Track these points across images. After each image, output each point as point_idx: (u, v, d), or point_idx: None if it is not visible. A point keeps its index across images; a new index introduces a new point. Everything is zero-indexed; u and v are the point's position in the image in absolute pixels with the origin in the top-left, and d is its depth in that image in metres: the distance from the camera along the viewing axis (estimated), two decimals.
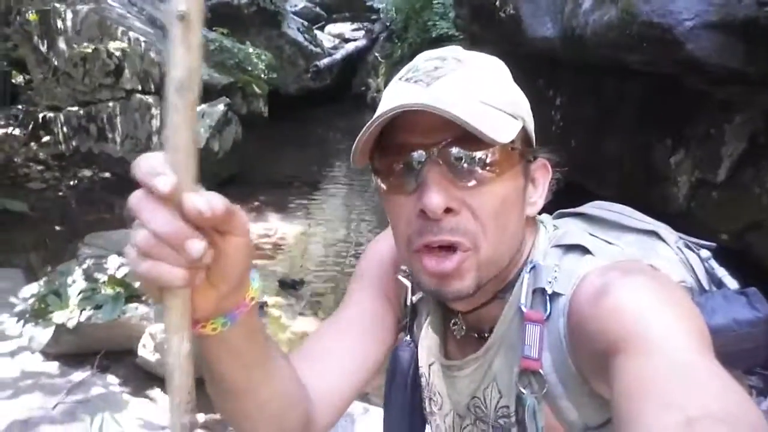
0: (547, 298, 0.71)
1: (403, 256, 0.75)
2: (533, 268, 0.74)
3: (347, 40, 12.57)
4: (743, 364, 0.76)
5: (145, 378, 2.95)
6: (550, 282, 0.71)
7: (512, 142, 0.69)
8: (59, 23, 6.53)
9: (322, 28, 12.84)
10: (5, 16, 6.41)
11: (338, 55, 11.57)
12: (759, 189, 3.60)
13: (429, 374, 0.86)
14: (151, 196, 0.47)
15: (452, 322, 0.82)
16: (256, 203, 5.79)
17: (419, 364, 0.87)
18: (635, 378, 0.55)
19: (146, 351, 2.95)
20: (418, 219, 0.70)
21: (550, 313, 0.70)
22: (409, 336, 0.88)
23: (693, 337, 0.58)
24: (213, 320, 0.57)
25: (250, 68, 7.40)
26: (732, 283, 0.79)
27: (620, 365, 0.57)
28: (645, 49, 2.81)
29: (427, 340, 0.86)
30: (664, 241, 0.78)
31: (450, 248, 0.70)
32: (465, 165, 0.68)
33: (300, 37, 10.79)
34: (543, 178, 0.78)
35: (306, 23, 11.63)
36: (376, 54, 12.06)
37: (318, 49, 11.20)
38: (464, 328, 0.81)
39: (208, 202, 0.47)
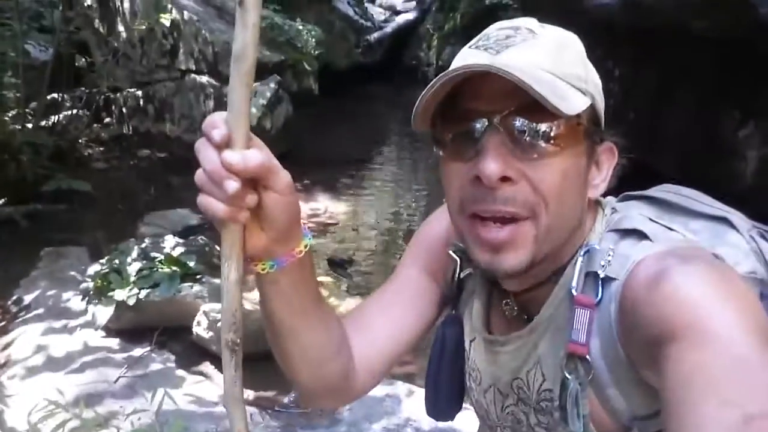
0: (600, 282, 0.68)
1: (455, 222, 0.74)
2: (587, 251, 0.71)
3: (398, 12, 12.39)
4: None
5: (200, 354, 3.06)
6: (603, 266, 0.69)
7: (578, 117, 0.67)
8: (118, 4, 6.71)
9: (372, 1, 12.69)
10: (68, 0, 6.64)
11: (389, 28, 11.44)
12: None
13: (470, 349, 0.86)
14: (208, 144, 0.58)
15: (504, 302, 0.81)
16: (307, 181, 5.85)
17: (463, 338, 0.87)
18: (690, 370, 0.54)
19: (200, 328, 3.05)
20: (472, 185, 0.68)
21: (601, 298, 0.68)
22: (454, 311, 0.88)
23: (753, 331, 0.55)
24: (263, 261, 0.67)
25: (300, 45, 7.40)
26: None
27: (674, 355, 0.56)
28: (713, 14, 2.62)
29: (472, 315, 0.86)
30: (735, 228, 0.74)
31: (504, 221, 0.68)
32: (527, 135, 0.66)
33: (350, 11, 10.70)
34: (608, 162, 0.75)
35: None
36: (428, 26, 11.84)
37: (369, 23, 11.10)
38: (515, 308, 0.79)
39: (243, 157, 0.57)
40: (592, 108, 0.70)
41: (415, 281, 0.90)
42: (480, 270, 0.81)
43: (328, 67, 8.37)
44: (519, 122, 0.66)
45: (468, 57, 0.70)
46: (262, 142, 0.61)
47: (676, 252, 0.65)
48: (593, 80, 0.72)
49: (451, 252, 0.87)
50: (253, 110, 5.93)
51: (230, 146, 0.57)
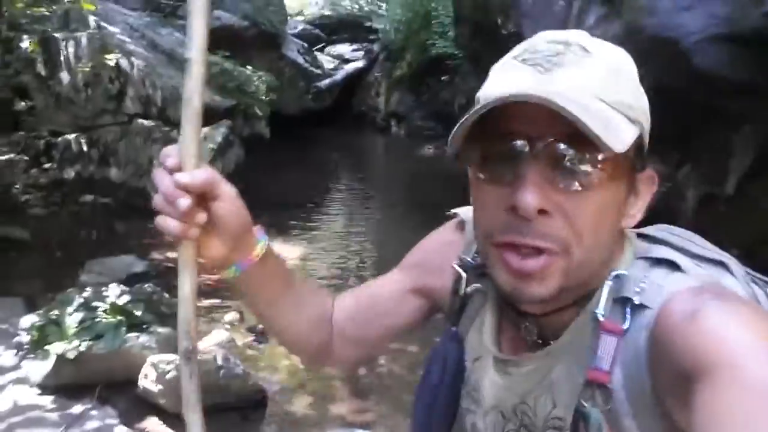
0: (629, 309, 0.66)
1: (482, 244, 0.71)
2: (617, 276, 0.69)
3: (347, 61, 12.65)
4: None
5: (146, 409, 2.87)
6: (637, 292, 0.66)
7: (627, 149, 0.63)
8: (61, 49, 6.55)
9: (322, 50, 12.92)
10: (6, 43, 6.43)
11: (338, 75, 11.64)
12: (767, 202, 3.54)
13: (472, 369, 0.82)
14: (163, 170, 0.68)
15: (522, 326, 0.77)
16: (258, 225, 5.74)
17: (464, 357, 0.84)
18: (725, 408, 0.52)
19: (148, 381, 2.88)
20: (506, 214, 0.65)
21: (629, 326, 0.65)
22: (454, 327, 0.84)
23: None
24: (227, 267, 0.77)
25: (251, 90, 7.41)
26: None
27: (708, 391, 0.54)
28: (651, 64, 2.78)
29: (481, 333, 0.82)
30: (731, 272, 0.73)
31: (536, 251, 0.65)
32: (570, 166, 0.63)
33: (300, 59, 10.84)
34: (647, 191, 0.72)
35: (306, 45, 11.71)
36: (376, 74, 12.11)
37: (318, 71, 11.26)
38: (535, 331, 0.76)
39: (192, 174, 0.67)
40: (639, 136, 0.67)
41: (398, 287, 0.93)
42: (499, 292, 0.77)
43: (278, 113, 8.38)
44: (563, 152, 0.63)
45: (514, 74, 0.66)
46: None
47: (712, 288, 0.64)
48: (642, 106, 0.69)
49: (455, 266, 0.84)
50: (206, 156, 5.85)
51: (181, 171, 0.67)
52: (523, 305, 0.74)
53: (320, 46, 12.98)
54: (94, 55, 6.41)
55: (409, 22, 11.53)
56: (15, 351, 3.08)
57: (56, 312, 3.10)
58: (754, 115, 3.20)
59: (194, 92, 0.67)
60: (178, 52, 7.37)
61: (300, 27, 12.94)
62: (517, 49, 0.69)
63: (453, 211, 0.91)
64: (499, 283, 0.70)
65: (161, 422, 2.79)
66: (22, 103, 6.63)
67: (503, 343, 0.81)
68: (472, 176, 0.70)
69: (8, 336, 3.30)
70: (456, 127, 0.65)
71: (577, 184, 0.63)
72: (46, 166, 6.61)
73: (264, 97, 7.59)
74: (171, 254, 5.09)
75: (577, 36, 0.68)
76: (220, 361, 2.97)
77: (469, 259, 0.84)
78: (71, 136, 6.57)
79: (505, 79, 0.66)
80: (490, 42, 4.76)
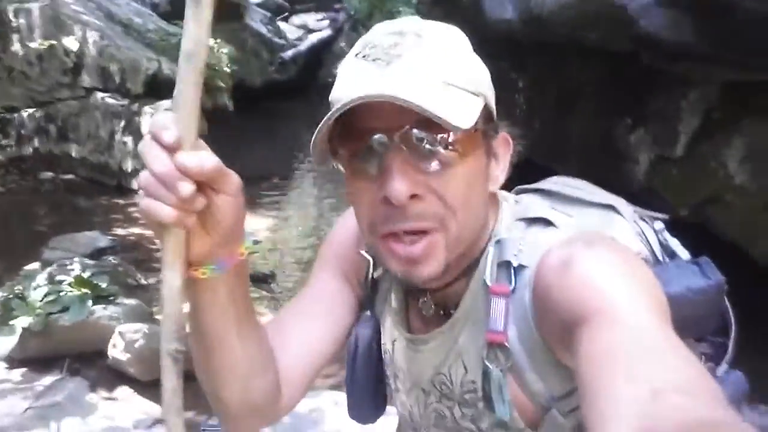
0: (512, 270, 0.71)
1: (368, 240, 0.75)
2: (498, 242, 0.74)
3: (311, 31, 12.46)
4: (695, 333, 0.77)
5: (116, 378, 2.91)
6: (515, 255, 0.71)
7: (475, 123, 0.68)
8: (12, 21, 6.33)
9: (285, 19, 12.69)
10: None
11: (303, 46, 11.47)
12: (715, 163, 3.70)
13: (393, 350, 0.86)
14: (156, 144, 0.55)
15: (420, 300, 0.81)
16: None
17: (382, 340, 0.87)
18: (600, 349, 0.56)
19: (117, 351, 2.92)
20: (382, 205, 0.69)
21: (515, 286, 0.70)
22: (369, 312, 0.87)
23: (654, 309, 0.59)
24: (204, 265, 0.64)
25: (213, 62, 7.28)
26: (684, 254, 0.81)
27: (585, 336, 0.59)
28: (601, 27, 2.86)
29: (390, 315, 0.86)
30: (621, 214, 0.78)
31: (417, 233, 0.69)
32: (428, 149, 0.67)
33: (263, 29, 10.65)
34: (504, 153, 0.77)
35: (269, 15, 11.48)
36: (342, 45, 11.98)
37: (282, 41, 11.08)
38: (433, 306, 0.80)
39: (200, 159, 0.56)
40: (485, 106, 0.71)
41: (329, 288, 0.89)
42: (396, 278, 0.82)
43: (242, 85, 8.27)
44: (418, 137, 0.66)
45: (358, 72, 0.69)
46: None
47: (581, 238, 0.68)
48: (483, 76, 0.73)
49: (362, 252, 0.87)
50: None
51: (180, 148, 0.55)
52: (418, 286, 0.78)
53: (284, 15, 12.75)
54: (47, 26, 6.21)
55: None
56: None
57: (20, 287, 3.10)
58: (699, 79, 3.33)
59: (201, 42, 0.55)
60: (135, 22, 7.18)
61: None
62: (358, 46, 0.72)
63: None
64: (393, 271, 0.74)
65: (132, 390, 2.84)
66: None
67: (413, 322, 0.84)
68: (344, 174, 0.73)
69: None
70: (314, 134, 0.68)
71: (437, 164, 0.67)
72: (3, 142, 6.46)
73: (227, 69, 7.48)
74: (135, 230, 5.08)
75: (410, 24, 0.71)
76: (188, 330, 3.02)
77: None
78: (27, 112, 6.41)
79: (351, 78, 0.69)
80: (451, 9, 4.79)
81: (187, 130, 0.56)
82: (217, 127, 6.71)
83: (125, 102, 6.25)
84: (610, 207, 0.78)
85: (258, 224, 5.36)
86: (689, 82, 3.51)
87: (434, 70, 0.67)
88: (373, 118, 0.67)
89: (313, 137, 0.68)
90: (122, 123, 6.18)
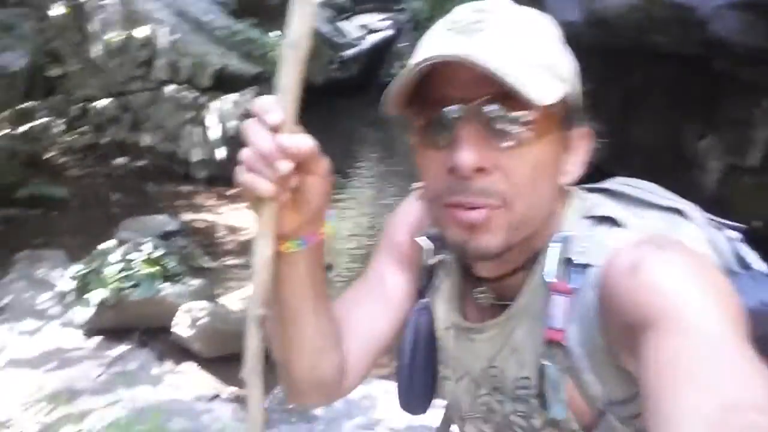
0: (576, 268, 0.69)
1: (431, 209, 0.74)
2: (562, 238, 0.71)
3: (373, 31, 12.59)
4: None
5: (180, 353, 3.08)
6: (581, 252, 0.69)
7: (553, 105, 0.65)
8: (91, 16, 6.71)
9: (348, 19, 12.88)
10: (39, 11, 6.61)
11: (364, 45, 11.61)
12: None
13: (445, 338, 0.85)
14: (259, 125, 0.61)
15: (478, 290, 0.80)
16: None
17: (436, 327, 0.86)
18: (669, 356, 0.54)
19: (181, 327, 3.08)
20: (448, 176, 0.68)
21: (578, 284, 0.68)
22: (425, 299, 0.86)
23: (728, 318, 0.57)
24: (290, 240, 0.69)
25: (276, 58, 7.48)
26: (762, 267, 0.75)
27: (653, 342, 0.56)
28: (669, 31, 2.80)
29: (445, 303, 0.85)
30: (689, 219, 0.74)
31: (479, 209, 0.68)
32: (501, 124, 0.65)
33: (325, 28, 10.85)
34: (582, 147, 0.74)
35: (332, 14, 11.69)
36: (404, 44, 12.06)
37: (344, 40, 11.26)
38: (490, 297, 0.78)
39: (298, 141, 0.61)
40: (568, 95, 0.69)
41: (388, 275, 0.89)
42: (453, 253, 0.81)
43: (303, 82, 8.43)
44: (493, 111, 0.65)
45: (439, 41, 0.68)
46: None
47: (652, 240, 0.66)
48: (569, 65, 0.70)
49: (418, 240, 0.86)
50: (234, 122, 6.01)
51: (281, 130, 0.60)
52: (475, 264, 0.78)
53: (346, 15, 12.93)
54: (123, 22, 6.55)
55: None
56: (59, 298, 3.30)
57: (97, 263, 3.31)
58: None
59: (304, 35, 0.59)
60: (205, 19, 7.47)
61: None
62: (443, 20, 0.71)
63: (415, 184, 0.89)
64: (450, 241, 0.72)
65: (196, 365, 2.99)
66: (56, 70, 6.85)
67: (468, 311, 0.83)
68: (414, 144, 0.72)
69: (53, 285, 3.53)
70: (384, 92, 0.68)
71: (510, 141, 0.66)
72: (81, 129, 6.85)
73: None
74: (199, 215, 5.30)
75: (498, 4, 0.70)
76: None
77: (431, 232, 0.84)
78: (104, 102, 6.77)
79: (431, 45, 0.68)
80: None
81: (288, 113, 0.60)
82: None
83: (193, 95, 6.52)
84: (677, 211, 0.75)
85: None
86: (762, 88, 3.39)
87: (517, 47, 0.66)
88: (450, 88, 0.66)
89: (384, 94, 0.68)
90: (190, 115, 6.45)
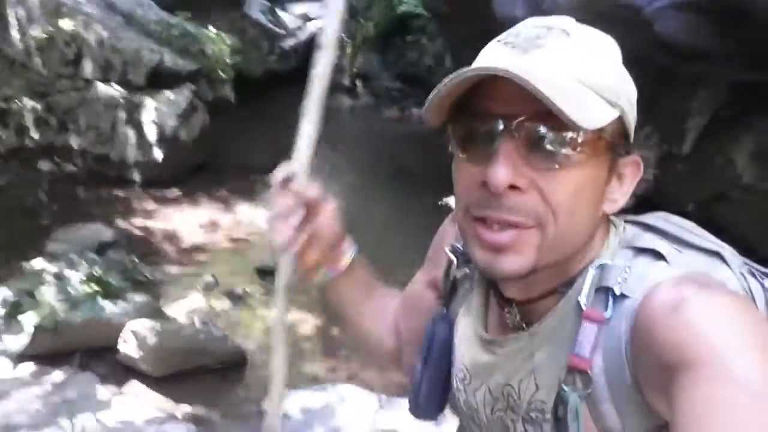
0: (612, 298, 0.67)
1: (459, 221, 0.73)
2: (601, 266, 0.69)
3: (311, 20, 12.38)
4: None
5: (126, 374, 2.93)
6: (619, 283, 0.67)
7: (601, 130, 0.64)
8: (10, 11, 6.26)
9: (284, 8, 12.60)
10: None
11: (303, 36, 11.39)
12: (722, 160, 3.72)
13: (464, 351, 0.85)
14: (281, 190, 0.84)
15: (505, 310, 0.78)
16: (225, 191, 5.72)
17: (454, 339, 0.87)
18: (707, 404, 0.53)
19: (127, 346, 2.92)
20: (480, 189, 0.66)
21: (611, 314, 0.66)
22: (446, 310, 0.87)
23: None
24: (317, 272, 0.93)
25: (213, 53, 7.23)
26: None
27: (690, 385, 0.55)
28: (614, 30, 2.84)
29: (467, 315, 0.85)
30: (726, 263, 0.72)
31: (508, 225, 0.66)
32: (543, 144, 0.63)
33: (263, 19, 10.56)
34: (631, 176, 0.71)
35: (268, 4, 11.40)
36: (342, 34, 11.91)
37: (282, 31, 11.01)
38: (517, 317, 0.77)
39: (305, 189, 0.84)
40: (620, 120, 0.67)
41: (421, 285, 0.98)
42: (478, 269, 0.79)
43: (242, 75, 8.20)
44: (536, 129, 0.63)
45: (493, 53, 0.67)
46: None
47: (696, 278, 0.64)
48: (625, 91, 0.68)
49: (447, 250, 0.87)
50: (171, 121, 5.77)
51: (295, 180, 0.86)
52: (502, 285, 0.76)
53: (283, 4, 12.65)
54: (48, 17, 6.15)
55: None
56: None
57: (28, 283, 3.09)
58: (710, 78, 3.33)
59: (333, 36, 0.72)
60: (137, 13, 7.11)
61: None
62: (504, 34, 0.70)
63: (444, 200, 0.96)
64: (475, 260, 0.71)
65: (143, 385, 2.84)
66: None
67: (490, 326, 0.83)
68: (453, 154, 0.71)
69: None
70: (427, 101, 0.66)
71: (551, 162, 0.64)
72: (1, 134, 6.40)
73: (228, 60, 7.42)
74: (136, 221, 5.06)
75: (560, 20, 0.69)
76: (199, 325, 3.03)
77: (459, 245, 0.85)
78: (27, 103, 6.35)
79: (485, 56, 0.68)
80: (457, 3, 4.76)
81: (303, 168, 0.87)
82: (219, 119, 6.69)
83: (126, 93, 6.20)
84: (716, 254, 0.72)
85: (259, 216, 5.35)
86: (698, 81, 3.51)
87: (572, 68, 0.64)
88: (495, 102, 0.65)
89: (426, 103, 0.66)
90: (123, 114, 6.13)
